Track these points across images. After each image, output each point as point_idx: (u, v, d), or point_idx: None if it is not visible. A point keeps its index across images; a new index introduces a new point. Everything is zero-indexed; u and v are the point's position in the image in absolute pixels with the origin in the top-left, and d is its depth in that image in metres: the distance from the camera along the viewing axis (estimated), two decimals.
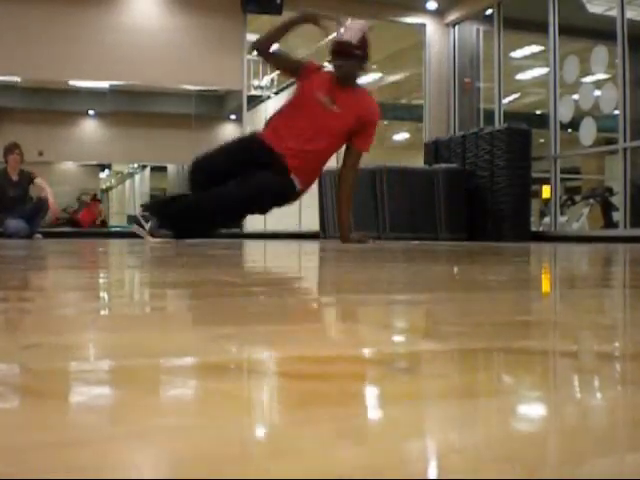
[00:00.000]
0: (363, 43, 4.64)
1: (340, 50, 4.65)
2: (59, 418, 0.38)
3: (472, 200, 8.35)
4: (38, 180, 7.82)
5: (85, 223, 12.02)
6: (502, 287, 1.46)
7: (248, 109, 10.41)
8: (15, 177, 7.73)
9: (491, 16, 9.75)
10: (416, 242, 6.48)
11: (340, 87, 4.67)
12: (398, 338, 0.74)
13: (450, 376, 0.53)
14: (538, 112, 12.74)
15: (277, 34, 4.83)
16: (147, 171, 13.72)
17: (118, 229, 12.08)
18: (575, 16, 10.00)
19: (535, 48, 11.78)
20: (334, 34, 4.86)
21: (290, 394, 0.46)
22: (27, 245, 4.63)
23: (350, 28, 4.71)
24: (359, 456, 0.32)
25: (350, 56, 4.61)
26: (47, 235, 7.62)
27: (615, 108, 7.72)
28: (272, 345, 0.67)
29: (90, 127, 11.58)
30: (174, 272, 1.97)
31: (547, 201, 9.77)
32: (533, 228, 8.92)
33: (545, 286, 1.68)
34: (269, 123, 4.86)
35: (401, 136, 17.08)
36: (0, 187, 7.64)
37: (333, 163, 9.73)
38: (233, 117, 11.08)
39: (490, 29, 9.83)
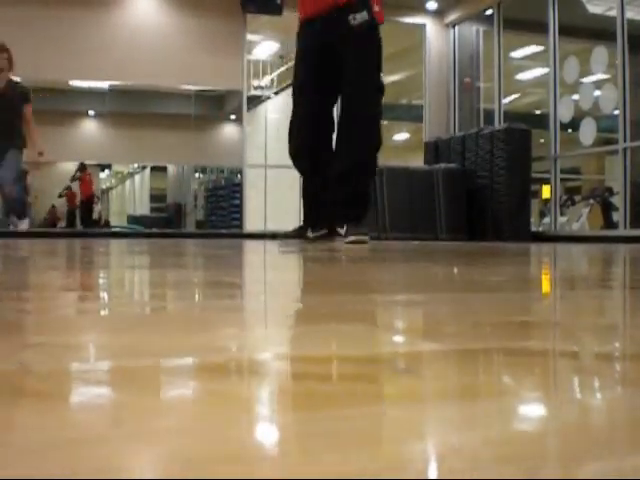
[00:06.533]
0: None
1: None
2: (59, 418, 0.38)
3: (472, 200, 8.35)
4: (29, 109, 6.49)
5: (84, 195, 12.06)
6: (502, 287, 1.46)
7: (248, 109, 10.41)
8: (1, 86, 6.32)
9: (491, 16, 9.75)
10: (416, 242, 6.48)
11: None
12: (398, 338, 0.74)
13: (450, 377, 0.53)
14: (538, 112, 12.74)
15: None
16: (147, 171, 13.72)
17: (118, 229, 12.09)
18: (575, 16, 10.00)
19: (535, 48, 11.78)
20: None
21: (290, 394, 0.46)
22: (26, 245, 4.63)
23: None
24: (359, 456, 0.32)
25: None
26: (46, 235, 7.62)
27: (615, 108, 7.72)
28: (272, 345, 0.68)
29: (90, 127, 11.58)
30: (174, 272, 1.97)
31: (547, 201, 9.77)
32: (533, 228, 8.93)
33: (545, 287, 1.68)
34: None
35: (401, 136, 17.08)
36: None
37: None
38: (233, 117, 11.08)
39: (490, 29, 9.83)
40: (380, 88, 4.67)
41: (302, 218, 5.09)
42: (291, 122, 4.89)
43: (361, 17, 4.51)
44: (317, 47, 4.67)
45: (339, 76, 4.60)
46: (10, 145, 6.33)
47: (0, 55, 6.38)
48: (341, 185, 4.60)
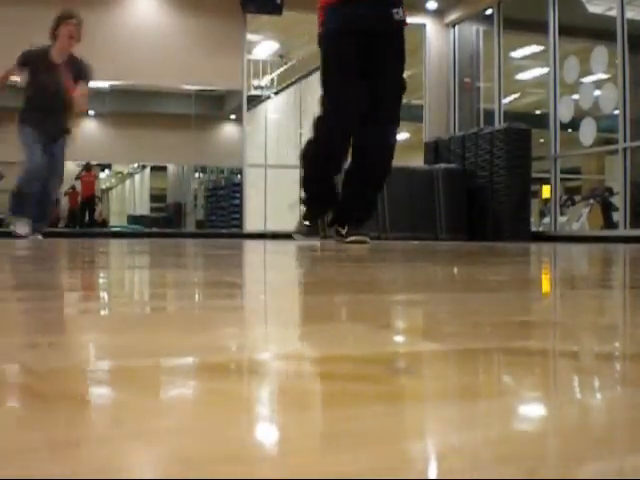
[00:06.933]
0: None
1: None
2: (59, 418, 0.38)
3: (472, 200, 8.35)
4: (86, 87, 5.39)
5: (84, 195, 12.04)
6: (502, 287, 1.46)
7: (248, 109, 10.41)
8: (59, 60, 5.32)
9: (491, 16, 9.75)
10: (416, 242, 6.48)
11: None
12: (398, 338, 0.74)
13: (450, 377, 0.53)
14: (538, 112, 12.74)
15: None
16: (147, 171, 13.72)
17: (118, 229, 12.09)
18: (575, 16, 10.00)
19: (535, 48, 11.78)
20: None
21: (290, 394, 0.46)
22: (27, 245, 4.63)
23: None
24: (359, 456, 0.32)
25: None
26: (46, 235, 7.60)
27: (615, 108, 7.72)
28: (271, 345, 0.68)
29: (90, 127, 11.58)
30: (174, 272, 1.97)
31: (547, 201, 9.77)
32: (533, 228, 8.93)
33: (545, 286, 1.68)
34: None
35: (401, 136, 17.08)
36: (33, 70, 5.37)
37: None
38: (233, 117, 11.08)
39: (490, 29, 9.83)
40: (405, 88, 4.57)
41: (308, 212, 4.85)
42: (318, 121, 4.44)
43: (402, 13, 4.35)
44: (354, 31, 4.29)
45: (369, 68, 4.30)
46: (60, 130, 5.57)
47: (69, 21, 5.38)
48: (359, 189, 4.55)
